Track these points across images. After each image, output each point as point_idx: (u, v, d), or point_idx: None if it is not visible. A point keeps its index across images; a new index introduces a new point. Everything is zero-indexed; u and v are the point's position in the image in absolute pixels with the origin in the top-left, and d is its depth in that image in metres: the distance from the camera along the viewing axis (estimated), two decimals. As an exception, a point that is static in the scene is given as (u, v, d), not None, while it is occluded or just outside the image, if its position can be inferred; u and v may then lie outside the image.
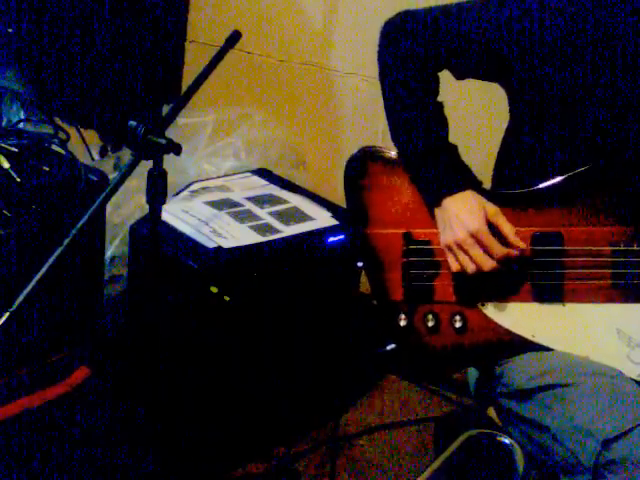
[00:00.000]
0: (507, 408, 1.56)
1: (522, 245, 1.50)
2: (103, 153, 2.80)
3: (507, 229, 1.51)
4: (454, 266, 1.53)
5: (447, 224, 1.53)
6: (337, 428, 2.39)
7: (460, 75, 1.62)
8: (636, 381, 1.47)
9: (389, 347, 1.60)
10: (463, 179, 1.55)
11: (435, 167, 1.55)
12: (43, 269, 1.33)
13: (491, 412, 1.65)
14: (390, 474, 2.28)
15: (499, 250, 1.49)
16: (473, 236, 1.49)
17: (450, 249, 1.53)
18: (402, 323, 1.59)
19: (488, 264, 1.49)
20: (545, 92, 1.51)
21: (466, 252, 1.50)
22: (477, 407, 1.73)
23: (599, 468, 1.36)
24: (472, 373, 1.69)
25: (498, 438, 1.57)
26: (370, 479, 2.27)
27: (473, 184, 1.55)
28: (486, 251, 1.49)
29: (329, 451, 2.30)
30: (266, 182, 2.49)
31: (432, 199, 1.56)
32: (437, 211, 1.55)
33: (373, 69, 1.64)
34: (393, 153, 1.62)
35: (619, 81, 1.47)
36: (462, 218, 1.50)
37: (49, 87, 2.57)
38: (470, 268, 1.50)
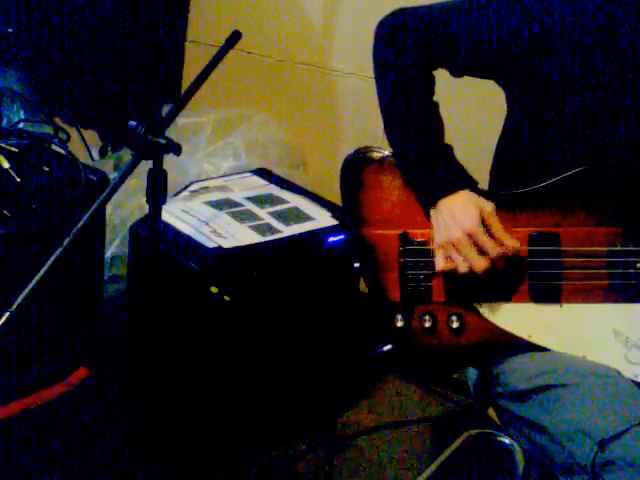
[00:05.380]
0: (506, 408, 1.56)
1: (515, 244, 1.49)
2: (103, 153, 2.80)
3: (498, 229, 1.49)
4: (440, 265, 1.53)
5: (442, 224, 1.52)
6: (336, 428, 2.39)
7: (457, 73, 1.62)
8: (634, 381, 1.46)
9: (386, 348, 1.60)
10: (458, 180, 1.54)
11: (429, 169, 1.55)
12: (43, 269, 1.33)
13: (491, 412, 1.65)
14: (389, 474, 2.28)
15: (493, 250, 1.48)
16: (469, 235, 1.48)
17: (444, 249, 1.52)
18: (399, 324, 1.59)
19: (481, 264, 1.48)
20: (543, 90, 1.50)
21: (460, 252, 1.50)
22: (477, 407, 1.73)
23: (596, 468, 1.36)
24: (471, 373, 1.69)
25: (498, 438, 1.57)
26: (370, 479, 2.27)
27: (468, 185, 1.55)
28: (480, 251, 1.49)
29: (329, 451, 2.30)
30: (266, 182, 2.49)
31: (427, 200, 1.56)
32: (432, 212, 1.55)
33: (373, 69, 1.64)
34: (388, 153, 1.62)
35: (619, 80, 1.47)
36: (457, 217, 1.50)
37: (49, 87, 2.57)
38: (463, 268, 1.49)
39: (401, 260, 1.59)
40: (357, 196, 1.63)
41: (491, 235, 1.49)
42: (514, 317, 1.54)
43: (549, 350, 1.51)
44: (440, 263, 1.53)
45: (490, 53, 1.52)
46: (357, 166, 1.63)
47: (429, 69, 1.59)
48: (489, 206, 1.50)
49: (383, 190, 1.61)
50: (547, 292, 1.52)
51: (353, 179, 1.63)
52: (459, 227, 1.49)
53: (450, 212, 1.51)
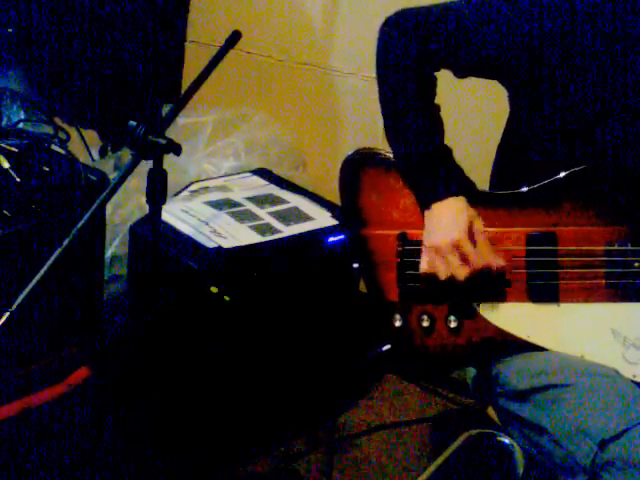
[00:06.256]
0: (505, 408, 1.56)
1: (499, 263, 1.50)
2: (103, 153, 2.80)
3: (484, 247, 1.50)
4: (423, 268, 1.53)
5: (431, 228, 1.53)
6: (337, 428, 2.39)
7: (460, 74, 1.62)
8: (633, 381, 1.46)
9: (385, 348, 1.61)
10: (453, 186, 1.54)
11: (427, 172, 1.56)
12: (43, 269, 1.33)
13: (491, 412, 1.65)
14: (390, 474, 2.28)
15: (476, 262, 1.49)
16: (453, 244, 1.49)
17: (429, 252, 1.53)
18: (397, 323, 1.59)
19: (461, 273, 1.49)
20: (545, 91, 1.51)
21: (443, 258, 1.50)
22: (477, 407, 1.73)
23: (596, 469, 1.36)
24: (471, 373, 1.69)
25: (498, 438, 1.57)
26: (370, 479, 2.27)
27: (465, 189, 1.55)
28: (464, 259, 1.49)
29: (329, 451, 2.30)
30: (266, 182, 2.49)
31: (423, 202, 1.56)
32: (426, 213, 1.56)
33: (373, 69, 1.63)
34: (389, 154, 1.62)
35: (619, 81, 1.47)
36: (446, 225, 1.51)
37: (49, 87, 2.57)
38: (443, 274, 1.50)
39: (399, 260, 1.59)
40: (356, 196, 1.63)
41: (477, 250, 1.50)
42: (512, 317, 1.54)
43: (547, 350, 1.51)
44: (423, 265, 1.53)
45: (492, 54, 1.52)
46: (357, 166, 1.63)
47: (431, 70, 1.60)
48: (479, 223, 1.51)
49: (382, 190, 1.61)
50: (545, 292, 1.52)
51: (352, 179, 1.63)
52: (446, 234, 1.50)
53: (440, 218, 1.52)
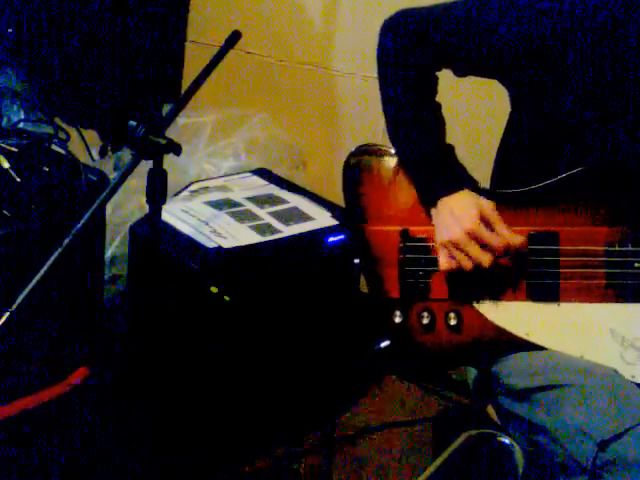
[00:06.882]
0: (504, 408, 1.56)
1: (518, 239, 1.49)
2: (103, 153, 2.80)
3: (499, 225, 1.50)
4: (444, 265, 1.53)
5: (442, 224, 1.53)
6: (337, 428, 2.39)
7: (460, 73, 1.63)
8: (631, 381, 1.46)
9: (384, 344, 1.60)
10: (457, 181, 1.55)
11: (430, 169, 1.56)
12: (43, 269, 1.33)
13: (491, 412, 1.65)
14: (390, 474, 2.28)
15: (497, 244, 1.48)
16: (468, 234, 1.49)
17: (446, 248, 1.53)
18: (397, 320, 1.59)
19: (485, 259, 1.48)
20: (546, 90, 1.51)
21: (463, 250, 1.50)
22: (477, 407, 1.73)
23: (597, 469, 1.36)
24: (471, 374, 1.69)
25: (498, 438, 1.57)
26: (370, 479, 2.27)
27: (468, 185, 1.55)
28: (483, 246, 1.49)
29: (329, 451, 2.30)
30: (266, 182, 2.49)
31: (427, 200, 1.57)
32: (433, 211, 1.56)
33: (373, 69, 1.64)
34: (392, 151, 1.63)
35: (620, 81, 1.47)
36: (457, 217, 1.50)
37: (49, 87, 2.57)
38: (467, 265, 1.50)
39: (401, 256, 1.59)
40: (359, 192, 1.63)
41: (493, 231, 1.50)
42: (512, 315, 1.54)
43: (547, 349, 1.51)
44: (444, 263, 1.53)
45: (492, 53, 1.53)
46: (359, 162, 1.64)
47: (432, 69, 1.61)
48: (489, 204, 1.51)
49: (384, 187, 1.62)
50: (545, 291, 1.53)
51: (355, 175, 1.64)
52: (459, 226, 1.50)
53: (450, 212, 1.52)
